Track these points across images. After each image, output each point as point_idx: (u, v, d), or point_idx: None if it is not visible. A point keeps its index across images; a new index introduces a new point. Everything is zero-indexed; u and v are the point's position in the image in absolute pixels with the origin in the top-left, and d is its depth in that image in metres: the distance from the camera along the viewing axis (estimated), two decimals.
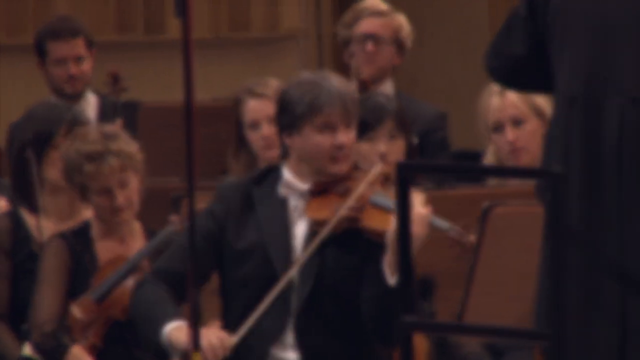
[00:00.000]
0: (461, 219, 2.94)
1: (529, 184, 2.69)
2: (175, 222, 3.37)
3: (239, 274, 3.44)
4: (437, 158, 3.77)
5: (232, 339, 2.88)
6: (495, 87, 2.94)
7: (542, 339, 2.60)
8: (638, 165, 2.30)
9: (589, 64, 2.37)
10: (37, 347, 3.13)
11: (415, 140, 3.55)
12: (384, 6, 4.02)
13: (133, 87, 5.02)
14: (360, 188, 2.99)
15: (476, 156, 3.69)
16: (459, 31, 5.25)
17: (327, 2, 3.82)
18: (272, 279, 3.15)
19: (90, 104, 4.87)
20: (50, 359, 3.11)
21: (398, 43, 4.09)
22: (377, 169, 3.07)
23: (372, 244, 3.03)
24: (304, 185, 3.35)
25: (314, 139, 3.29)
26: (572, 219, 2.46)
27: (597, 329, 2.39)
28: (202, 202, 4.75)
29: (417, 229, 2.78)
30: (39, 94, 4.82)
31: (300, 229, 3.39)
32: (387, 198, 3.01)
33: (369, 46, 4.00)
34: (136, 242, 3.33)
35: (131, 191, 3.48)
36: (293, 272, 3.14)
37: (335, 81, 3.15)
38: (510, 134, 2.90)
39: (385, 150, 3.50)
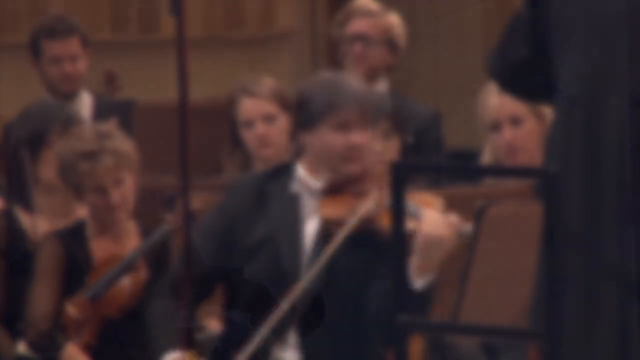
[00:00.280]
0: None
1: (525, 183, 2.69)
2: (171, 221, 3.37)
3: (247, 269, 3.45)
4: (431, 157, 3.77)
5: None
6: (493, 86, 2.94)
7: (538, 338, 2.61)
8: (638, 166, 2.30)
9: (589, 63, 2.37)
10: (32, 346, 3.13)
11: (409, 140, 3.55)
12: (374, 6, 4.01)
13: (128, 86, 5.01)
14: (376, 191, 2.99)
15: (471, 155, 3.69)
16: (453, 30, 5.25)
17: (321, 1, 3.82)
18: (280, 276, 3.16)
19: (85, 103, 4.86)
20: (45, 357, 3.11)
21: (390, 43, 4.08)
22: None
23: (385, 245, 3.01)
24: (317, 184, 3.36)
25: (329, 137, 3.29)
26: (572, 219, 2.47)
27: (597, 331, 2.40)
28: (197, 201, 4.75)
29: (444, 233, 2.79)
30: (34, 93, 4.81)
31: (310, 227, 3.41)
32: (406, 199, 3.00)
33: (358, 47, 4.00)
34: (131, 241, 3.32)
35: (126, 190, 3.48)
36: (310, 278, 3.13)
37: (353, 81, 3.15)
38: (508, 133, 2.90)
39: (380, 149, 3.50)
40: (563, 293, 2.49)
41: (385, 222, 3.02)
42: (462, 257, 2.89)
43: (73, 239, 3.31)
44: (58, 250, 3.25)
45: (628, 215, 2.31)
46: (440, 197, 2.97)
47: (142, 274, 3.13)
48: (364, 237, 3.09)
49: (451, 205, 3.12)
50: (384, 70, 4.14)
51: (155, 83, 5.16)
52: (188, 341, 3.07)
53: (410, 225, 2.82)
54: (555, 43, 2.46)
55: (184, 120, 4.99)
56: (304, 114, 3.40)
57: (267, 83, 4.37)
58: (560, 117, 2.45)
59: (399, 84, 4.27)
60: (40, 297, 3.13)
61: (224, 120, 4.87)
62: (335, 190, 3.30)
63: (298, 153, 3.61)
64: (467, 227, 2.83)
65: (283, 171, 3.63)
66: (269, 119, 4.34)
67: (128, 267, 3.12)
